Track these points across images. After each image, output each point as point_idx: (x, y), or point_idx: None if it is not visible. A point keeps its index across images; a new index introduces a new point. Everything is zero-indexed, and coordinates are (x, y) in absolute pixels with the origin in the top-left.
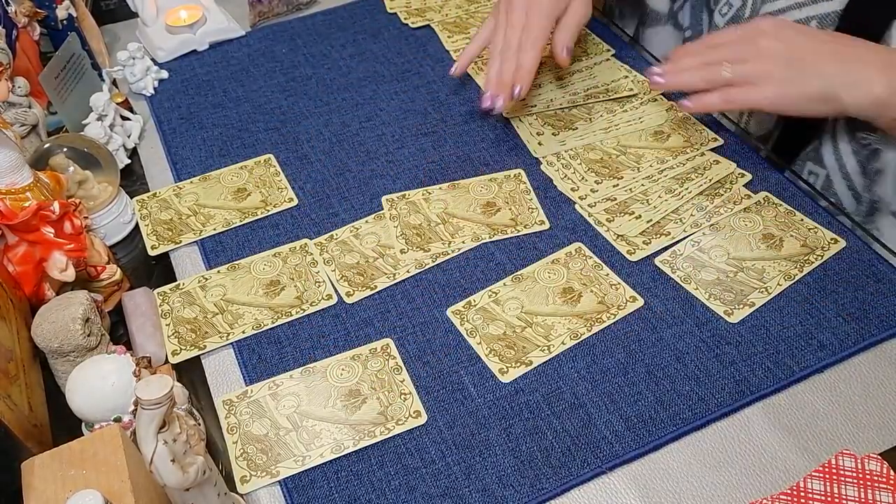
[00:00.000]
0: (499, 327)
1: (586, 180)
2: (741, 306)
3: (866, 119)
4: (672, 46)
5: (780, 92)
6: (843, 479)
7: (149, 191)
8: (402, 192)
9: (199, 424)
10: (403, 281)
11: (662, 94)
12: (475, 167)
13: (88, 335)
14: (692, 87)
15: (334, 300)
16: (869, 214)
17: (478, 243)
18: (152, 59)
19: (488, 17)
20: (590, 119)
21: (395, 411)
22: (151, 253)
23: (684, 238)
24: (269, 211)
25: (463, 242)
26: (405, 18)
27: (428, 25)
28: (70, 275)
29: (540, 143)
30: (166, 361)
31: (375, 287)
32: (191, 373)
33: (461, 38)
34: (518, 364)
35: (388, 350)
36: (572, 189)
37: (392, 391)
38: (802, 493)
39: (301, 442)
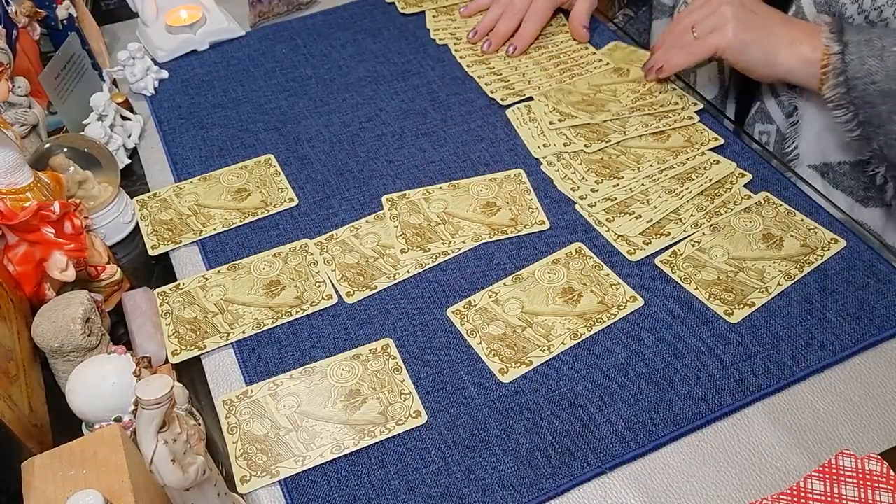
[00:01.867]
0: (499, 327)
1: (586, 180)
2: (741, 306)
3: (795, 81)
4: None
5: (737, 31)
6: (843, 479)
7: (149, 191)
8: (402, 192)
9: (199, 424)
10: (403, 281)
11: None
12: (475, 167)
13: (88, 335)
14: (683, 66)
15: (334, 300)
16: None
17: (478, 243)
18: (152, 59)
19: None
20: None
21: (395, 411)
22: (151, 253)
23: (684, 238)
24: (269, 211)
25: (463, 242)
26: (402, 8)
27: (423, 13)
28: (70, 275)
29: (540, 133)
30: (166, 361)
31: (375, 287)
32: (191, 373)
33: (445, 18)
34: (518, 364)
35: (388, 350)
36: (572, 189)
37: (392, 391)
38: (802, 493)
39: (301, 442)
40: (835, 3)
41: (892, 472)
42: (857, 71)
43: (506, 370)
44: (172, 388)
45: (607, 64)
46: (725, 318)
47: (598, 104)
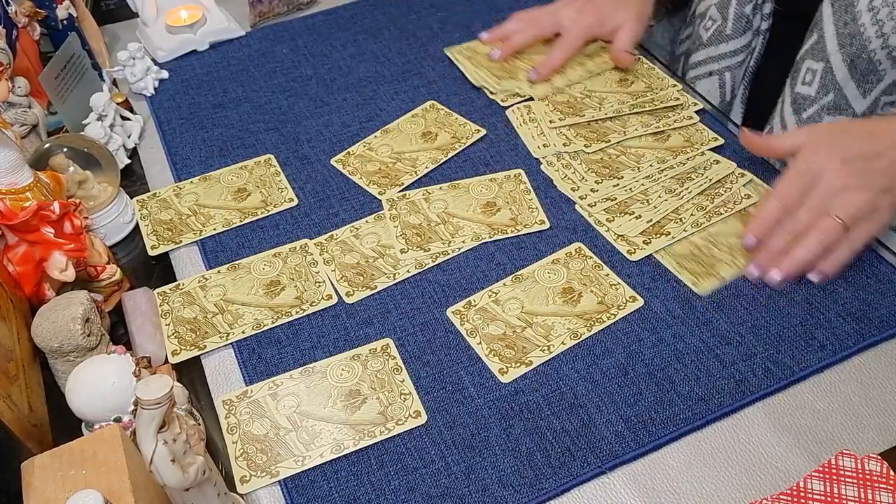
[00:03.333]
0: (499, 327)
1: (586, 180)
2: (708, 277)
3: None
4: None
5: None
6: (843, 479)
7: (149, 191)
8: (403, 192)
9: (199, 424)
10: (403, 281)
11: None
12: (475, 167)
13: (88, 335)
14: (812, 263)
15: (334, 300)
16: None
17: (478, 243)
18: (152, 59)
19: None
20: (600, 107)
21: (395, 411)
22: (151, 253)
23: (684, 238)
24: (269, 211)
25: (463, 242)
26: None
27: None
28: (70, 275)
29: (540, 133)
30: (166, 361)
31: (375, 287)
32: (191, 373)
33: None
34: (518, 364)
35: (388, 350)
36: (572, 189)
37: (392, 391)
38: (802, 493)
39: (301, 442)
40: (858, 38)
41: (891, 472)
42: None
43: (505, 370)
44: (172, 388)
45: (613, 69)
46: (692, 287)
47: (577, 108)
